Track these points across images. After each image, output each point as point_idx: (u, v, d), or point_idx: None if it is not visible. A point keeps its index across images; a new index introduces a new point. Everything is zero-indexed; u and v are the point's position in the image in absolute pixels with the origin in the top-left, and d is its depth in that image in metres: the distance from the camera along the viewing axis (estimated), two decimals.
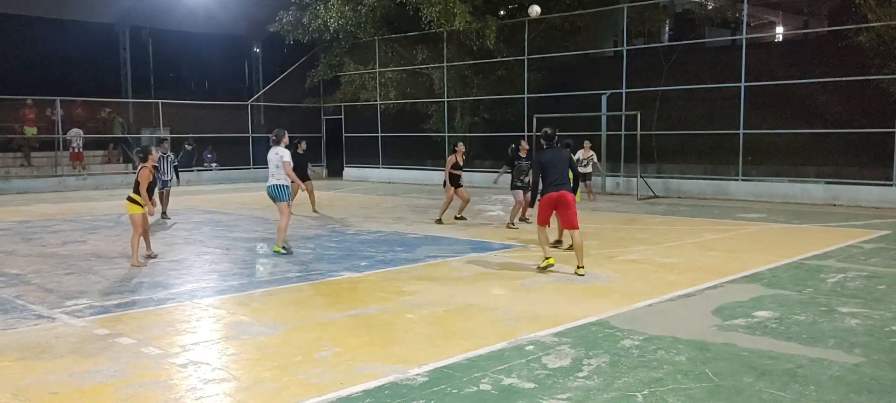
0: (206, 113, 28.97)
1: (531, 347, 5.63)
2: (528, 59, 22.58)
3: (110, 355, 5.55)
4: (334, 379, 4.93)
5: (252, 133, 28.80)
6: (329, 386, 4.79)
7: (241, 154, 28.39)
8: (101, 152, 26.38)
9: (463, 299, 7.38)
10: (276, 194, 10.29)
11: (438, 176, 25.01)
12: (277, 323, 6.45)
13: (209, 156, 27.81)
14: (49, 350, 5.70)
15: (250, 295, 7.67)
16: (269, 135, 11.00)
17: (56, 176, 23.65)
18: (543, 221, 8.96)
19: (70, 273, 8.92)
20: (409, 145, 26.79)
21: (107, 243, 11.54)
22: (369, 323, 6.47)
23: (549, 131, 9.19)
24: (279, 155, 10.23)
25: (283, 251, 10.18)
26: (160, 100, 26.68)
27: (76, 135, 24.44)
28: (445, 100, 24.66)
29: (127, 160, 26.39)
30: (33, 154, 24.08)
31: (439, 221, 13.70)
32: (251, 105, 29.36)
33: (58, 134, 23.92)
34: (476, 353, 5.48)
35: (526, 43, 22.49)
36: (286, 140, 10.51)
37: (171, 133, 26.98)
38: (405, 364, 5.20)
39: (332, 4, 24.83)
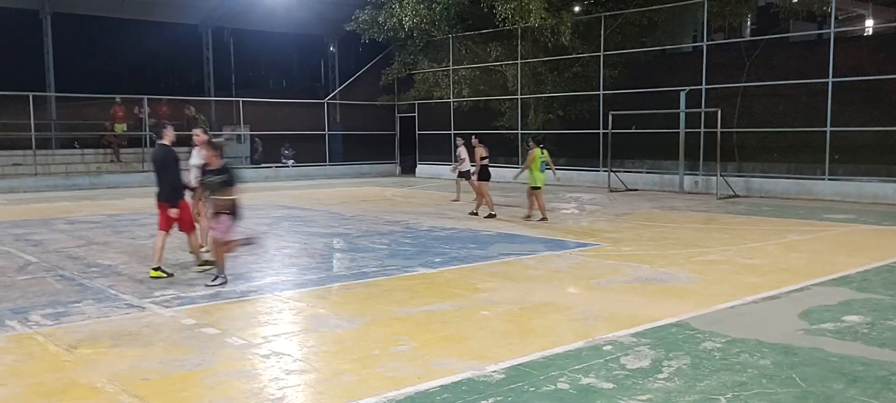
0: (283, 111, 29.66)
1: (609, 347, 5.56)
2: (604, 55, 22.27)
3: (197, 344, 5.76)
4: (412, 373, 4.99)
5: (328, 130, 29.32)
6: (407, 380, 4.84)
7: (317, 151, 28.94)
8: (185, 149, 27.28)
9: (538, 297, 7.34)
10: None
11: (510, 173, 24.96)
12: (355, 317, 6.56)
13: (286, 152, 28.46)
14: (140, 338, 5.94)
15: (328, 290, 7.83)
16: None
17: (142, 171, 24.60)
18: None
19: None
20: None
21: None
22: (445, 319, 6.51)
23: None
24: None
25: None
26: (241, 99, 27.46)
27: None
28: (519, 96, 24.56)
29: None
30: (122, 150, 25.14)
31: (491, 216, 14.10)
32: (327, 103, 29.90)
33: (145, 131, 24.91)
34: (553, 352, 5.44)
35: (602, 39, 22.18)
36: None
37: (250, 130, 27.79)
38: (481, 361, 5.22)
39: (408, 3, 25.06)
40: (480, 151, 14.70)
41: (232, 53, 31.99)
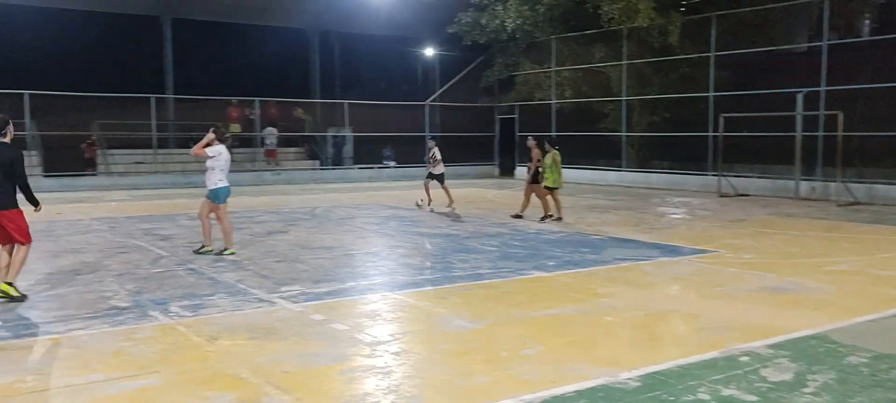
0: (385, 112, 30.17)
1: (746, 358, 5.37)
2: (715, 55, 21.60)
3: (329, 339, 5.92)
4: (544, 377, 4.97)
5: (428, 132, 29.63)
6: (540, 384, 4.82)
7: (417, 152, 29.27)
8: (292, 150, 28.22)
9: (661, 304, 7.19)
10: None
11: (613, 176, 24.59)
12: (478, 318, 6.59)
13: (388, 154, 28.95)
14: (274, 332, 6.16)
15: (448, 290, 7.90)
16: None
17: (254, 170, 25.58)
18: None
19: (279, 261, 9.60)
20: (583, 144, 26.45)
21: (306, 234, 12.30)
22: (568, 323, 6.46)
23: None
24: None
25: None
26: (346, 101, 28.13)
27: (271, 133, 26.38)
28: (624, 98, 24.12)
29: (314, 157, 28.06)
30: (235, 150, 26.19)
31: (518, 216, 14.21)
32: (428, 105, 30.23)
33: (256, 132, 25.89)
34: (687, 361, 5.30)
35: (712, 39, 21.52)
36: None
37: (354, 131, 28.40)
38: (614, 367, 5.14)
39: (511, 4, 25.04)
40: (537, 153, 14.33)
41: (337, 56, 32.81)
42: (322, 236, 12.01)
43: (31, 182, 7.63)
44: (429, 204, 15.98)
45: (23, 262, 7.33)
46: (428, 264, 9.50)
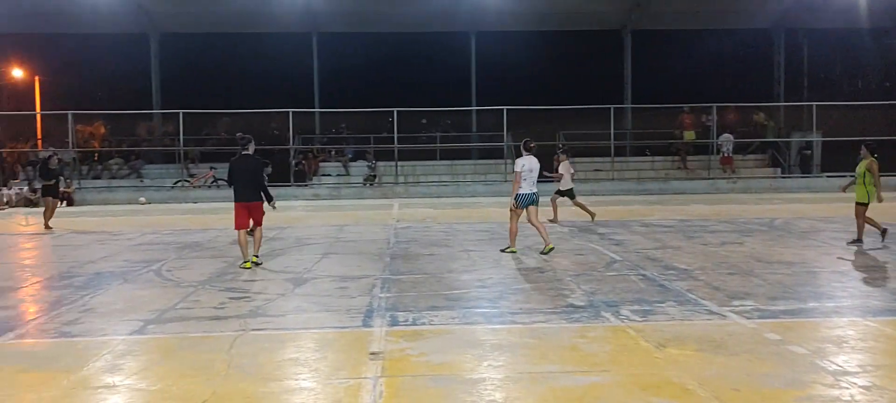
0: (859, 114, 26.77)
1: None
2: None
3: (785, 361, 5.51)
4: None
5: None
6: None
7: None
8: (750, 156, 26.89)
9: None
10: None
11: None
12: None
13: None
14: (724, 346, 5.95)
15: None
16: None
17: (708, 178, 25.03)
18: None
19: (732, 273, 9.23)
20: None
21: (763, 247, 11.59)
22: None
23: None
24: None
25: None
26: (813, 103, 25.77)
27: (727, 139, 25.53)
28: None
29: (775, 164, 26.30)
30: (688, 158, 26.00)
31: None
32: None
33: (712, 139, 25.31)
34: None
35: None
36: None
37: (822, 136, 25.83)
38: None
39: None
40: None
41: (805, 55, 30.25)
42: (781, 250, 11.20)
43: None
44: None
45: (261, 240, 10.46)
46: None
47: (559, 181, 15.96)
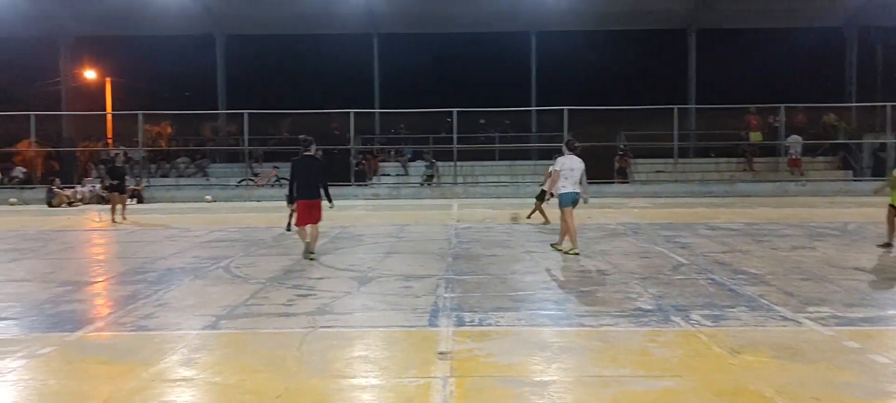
0: None
1: None
2: None
3: (866, 370, 5.31)
4: None
5: None
6: None
7: None
8: (820, 159, 26.08)
9: None
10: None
11: None
12: None
13: None
14: (800, 354, 5.77)
15: None
16: None
17: (776, 181, 24.36)
18: None
19: (805, 279, 8.95)
20: None
21: (836, 251, 11.23)
22: None
23: None
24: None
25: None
26: (889, 104, 24.83)
27: (795, 141, 24.80)
28: None
29: (847, 167, 25.45)
30: (755, 159, 25.35)
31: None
32: None
33: (780, 139, 24.62)
34: None
35: None
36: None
37: None
38: None
39: None
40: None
41: (879, 54, 29.18)
42: (856, 255, 10.82)
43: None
44: None
45: (317, 237, 11.00)
46: None
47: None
